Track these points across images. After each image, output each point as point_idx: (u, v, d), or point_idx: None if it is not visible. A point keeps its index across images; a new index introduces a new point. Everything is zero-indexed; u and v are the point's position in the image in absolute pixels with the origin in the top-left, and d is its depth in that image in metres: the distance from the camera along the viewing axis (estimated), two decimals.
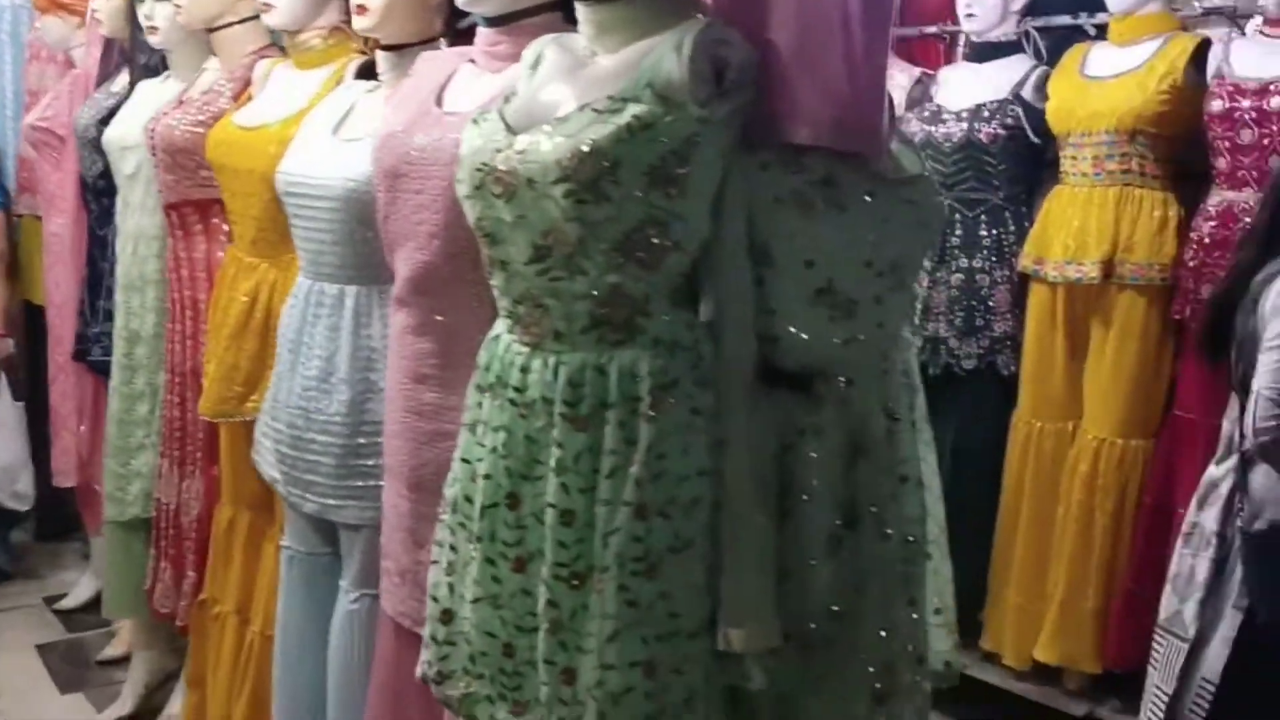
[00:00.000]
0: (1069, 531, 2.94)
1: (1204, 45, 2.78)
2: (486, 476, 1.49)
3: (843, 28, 1.38)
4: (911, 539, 1.60)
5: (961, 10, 3.11)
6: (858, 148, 1.46)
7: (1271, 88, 2.58)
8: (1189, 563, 2.17)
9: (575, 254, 1.39)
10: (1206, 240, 2.68)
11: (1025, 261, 3.00)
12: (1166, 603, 2.20)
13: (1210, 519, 2.13)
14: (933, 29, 3.38)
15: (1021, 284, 3.05)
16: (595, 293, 1.40)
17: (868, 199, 1.50)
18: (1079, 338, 2.95)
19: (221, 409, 2.48)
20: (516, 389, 1.46)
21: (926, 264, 3.15)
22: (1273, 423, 1.94)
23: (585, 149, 1.33)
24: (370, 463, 2.04)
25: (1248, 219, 2.59)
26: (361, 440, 2.05)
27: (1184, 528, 2.22)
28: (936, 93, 3.21)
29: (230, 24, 2.69)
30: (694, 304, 1.48)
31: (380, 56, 2.09)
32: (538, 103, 1.48)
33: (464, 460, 1.56)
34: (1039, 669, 3.02)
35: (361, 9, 2.00)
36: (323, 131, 2.14)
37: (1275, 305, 2.01)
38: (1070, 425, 2.98)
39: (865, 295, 1.53)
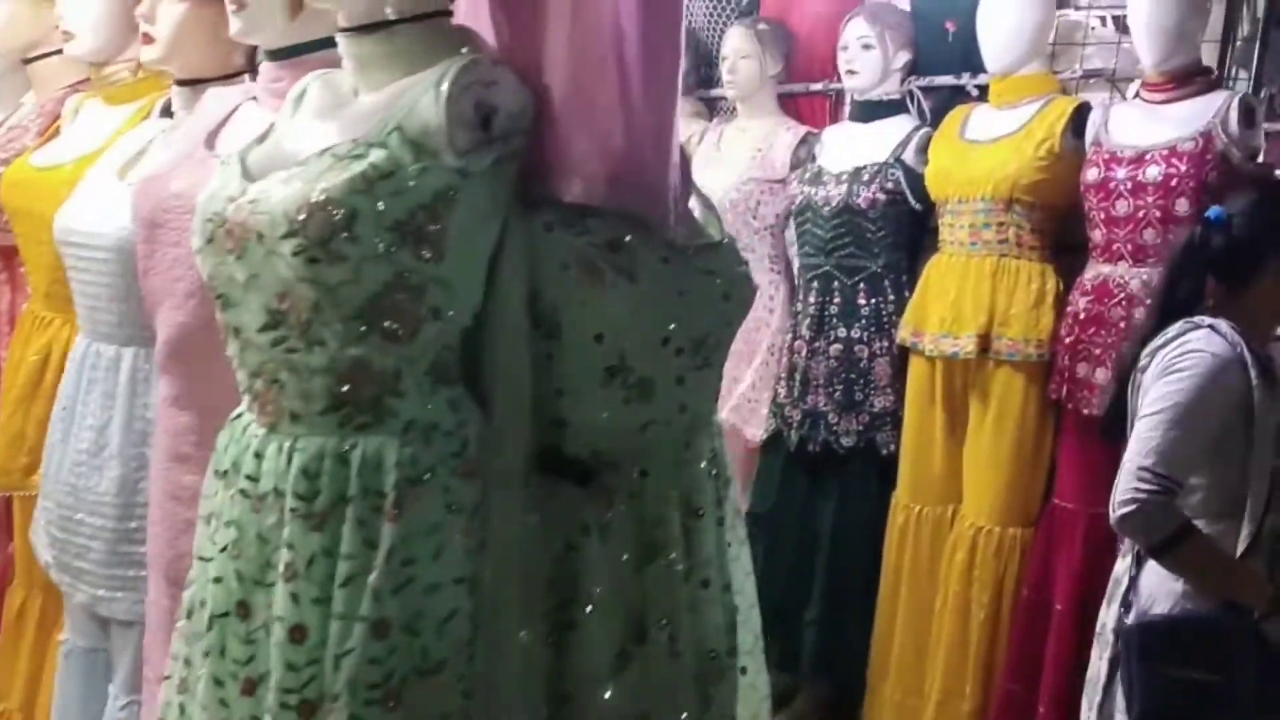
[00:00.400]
0: (946, 624, 2.76)
1: (1083, 109, 2.67)
2: (217, 580, 1.27)
3: (618, 72, 1.21)
4: (713, 653, 1.40)
5: (843, 67, 2.98)
6: (640, 208, 1.28)
7: (1148, 156, 2.46)
8: (1097, 665, 2.04)
9: (312, 322, 1.19)
10: (1082, 316, 2.54)
11: (903, 333, 2.85)
12: (1084, 706, 2.06)
13: (1112, 617, 2.00)
14: (818, 86, 3.25)
15: (902, 357, 2.90)
16: (335, 367, 1.20)
17: (662, 267, 1.32)
18: (958, 416, 2.79)
19: (3, 481, 2.22)
20: (250, 477, 1.25)
21: (805, 333, 3.00)
22: (1129, 494, 1.81)
23: (315, 199, 1.14)
24: (144, 550, 1.80)
25: (1123, 294, 2.48)
26: (134, 524, 1.82)
27: (1097, 627, 2.09)
28: (820, 153, 3.08)
29: (47, 54, 2.48)
30: (468, 382, 1.29)
31: (175, 92, 1.89)
32: (285, 145, 1.29)
33: (200, 558, 1.33)
34: None
35: (148, 39, 1.81)
36: (108, 174, 1.93)
37: (1154, 374, 1.91)
38: (950, 509, 2.81)
39: (664, 375, 1.36)
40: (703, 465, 1.44)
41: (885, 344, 2.91)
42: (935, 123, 2.94)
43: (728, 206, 3.12)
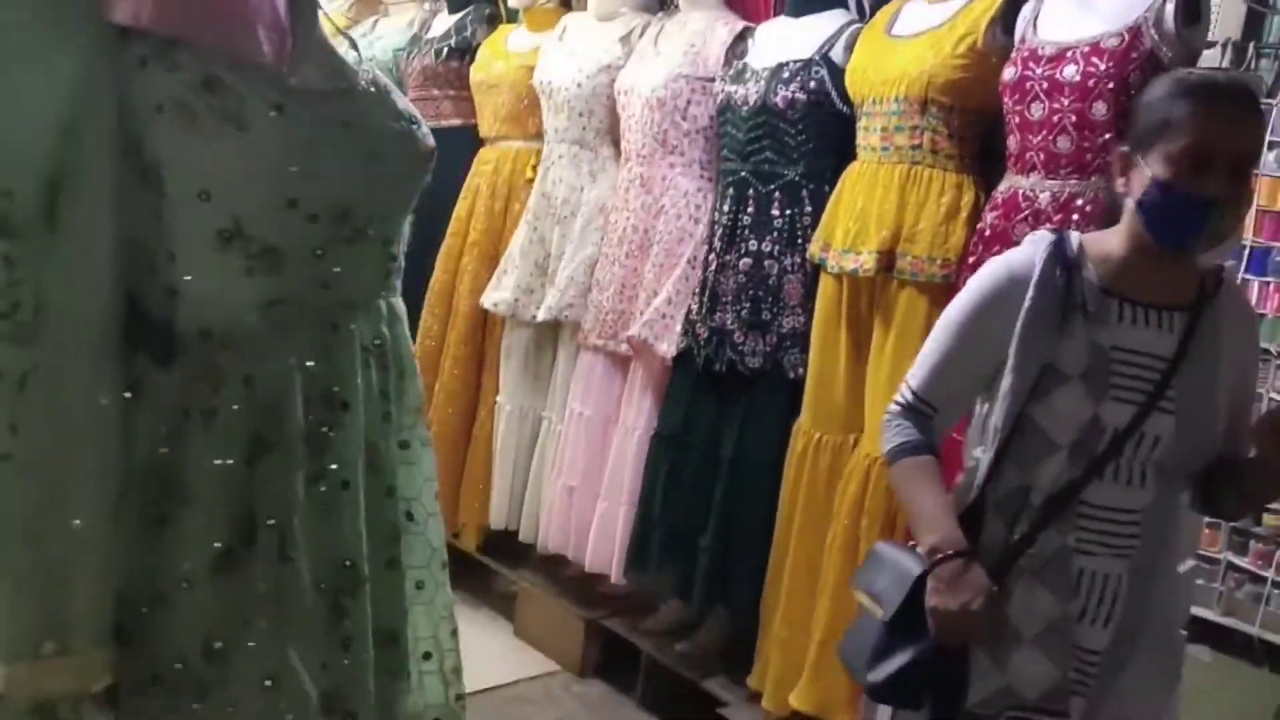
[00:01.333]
0: (834, 560, 2.56)
1: (1017, 1, 2.36)
2: None
3: None
4: (348, 563, 1.25)
5: None
6: (216, 39, 1.11)
7: (1068, 54, 2.16)
8: None
9: None
10: (987, 233, 2.27)
11: (814, 248, 2.62)
12: None
13: None
14: None
15: (815, 275, 2.67)
16: None
17: (273, 115, 1.15)
18: (864, 339, 2.56)
19: None
20: None
21: (717, 244, 2.78)
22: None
23: None
24: None
25: (1031, 209, 2.21)
26: None
27: None
28: (750, 49, 2.83)
29: None
30: (37, 234, 1.14)
31: None
32: None
33: None
34: (798, 717, 2.64)
35: None
36: None
37: None
38: (851, 439, 2.60)
39: (296, 246, 1.21)
40: (355, 353, 1.28)
41: (797, 260, 2.68)
42: None
43: (655, 105, 2.90)
